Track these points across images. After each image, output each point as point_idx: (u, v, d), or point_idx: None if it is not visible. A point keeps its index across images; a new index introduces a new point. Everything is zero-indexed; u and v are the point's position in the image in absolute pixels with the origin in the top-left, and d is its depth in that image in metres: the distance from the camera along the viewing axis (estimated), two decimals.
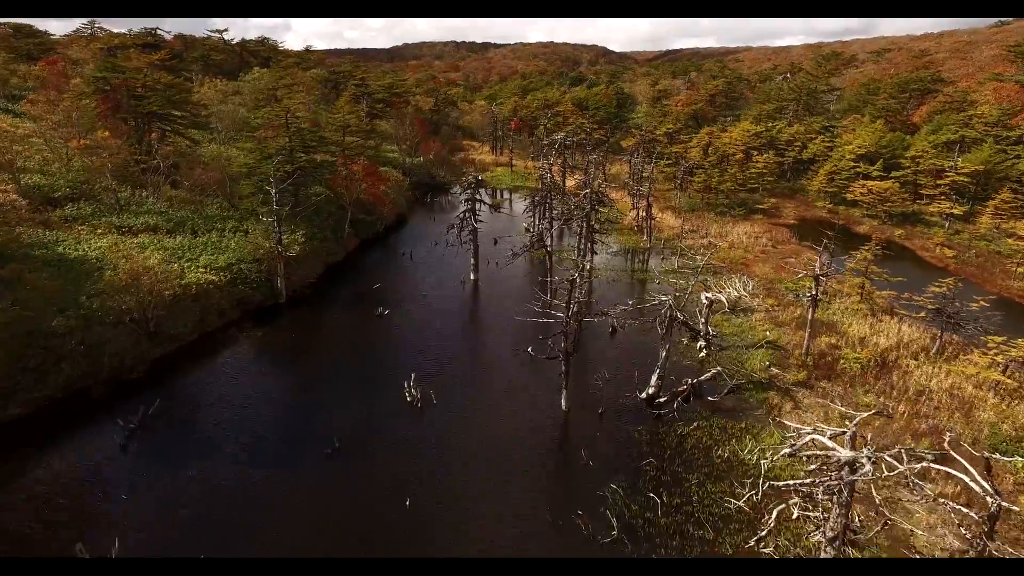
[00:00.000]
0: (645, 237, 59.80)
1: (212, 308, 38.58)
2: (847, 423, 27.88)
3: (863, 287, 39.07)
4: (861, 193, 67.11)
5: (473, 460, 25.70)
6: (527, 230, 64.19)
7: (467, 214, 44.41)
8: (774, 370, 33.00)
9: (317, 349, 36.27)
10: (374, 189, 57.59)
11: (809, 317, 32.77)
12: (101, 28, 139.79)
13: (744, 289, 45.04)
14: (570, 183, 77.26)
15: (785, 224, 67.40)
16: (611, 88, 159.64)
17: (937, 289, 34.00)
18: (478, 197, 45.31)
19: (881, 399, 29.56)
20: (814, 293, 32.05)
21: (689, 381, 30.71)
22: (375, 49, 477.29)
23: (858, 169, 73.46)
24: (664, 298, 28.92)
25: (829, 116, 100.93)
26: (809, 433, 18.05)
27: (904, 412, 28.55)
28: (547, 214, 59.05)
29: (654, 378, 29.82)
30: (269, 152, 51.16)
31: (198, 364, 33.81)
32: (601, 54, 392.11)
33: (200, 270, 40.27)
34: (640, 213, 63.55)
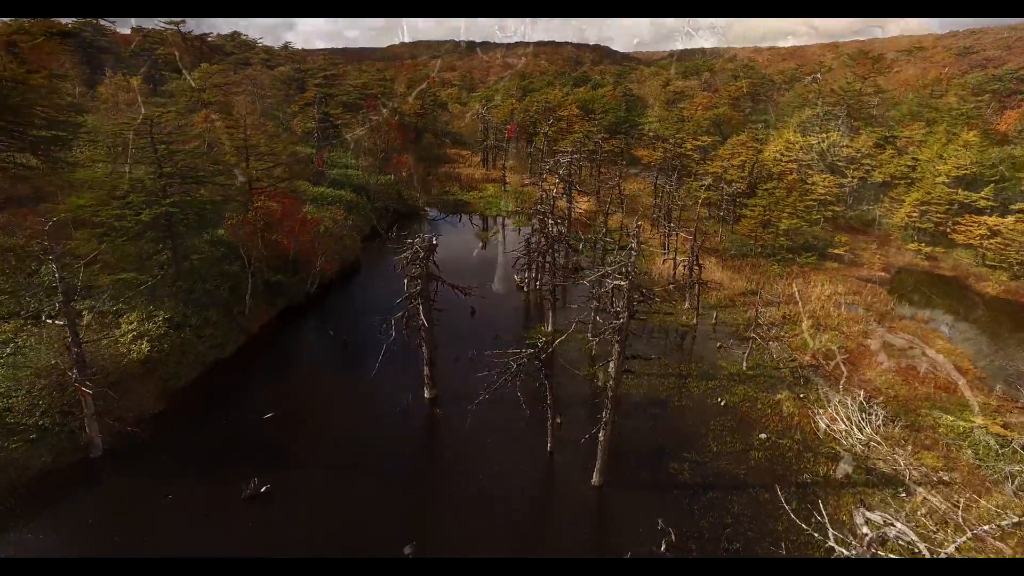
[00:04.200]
0: (688, 304, 41.84)
1: None
2: None
3: None
4: (980, 235, 48.99)
5: None
6: (521, 288, 46.32)
7: (413, 304, 26.39)
8: None
9: None
10: (298, 236, 39.76)
11: None
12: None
13: (871, 426, 27.15)
14: (577, 208, 59.52)
15: (872, 277, 49.37)
16: (618, 89, 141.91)
17: None
18: (433, 271, 27.28)
19: None
20: None
21: None
22: (371, 48, 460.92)
23: (955, 197, 55.57)
24: None
25: (884, 123, 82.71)
26: None
27: None
28: (549, 269, 41.24)
29: None
30: (123, 189, 33.41)
31: None
32: (604, 54, 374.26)
33: None
34: (680, 268, 45.36)
